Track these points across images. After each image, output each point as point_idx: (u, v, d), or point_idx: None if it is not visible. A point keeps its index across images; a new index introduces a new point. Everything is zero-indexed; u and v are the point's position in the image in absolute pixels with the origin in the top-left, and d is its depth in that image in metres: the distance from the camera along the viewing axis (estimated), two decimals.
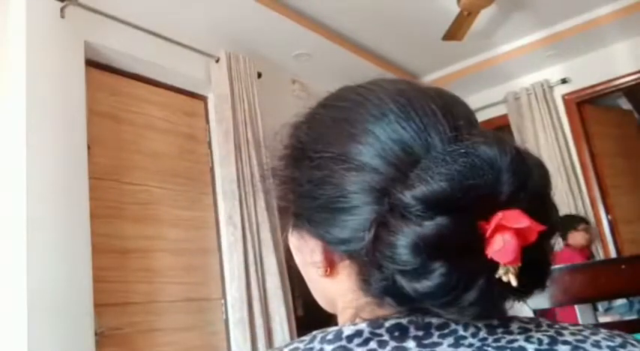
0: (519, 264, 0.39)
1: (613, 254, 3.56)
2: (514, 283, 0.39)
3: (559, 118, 3.82)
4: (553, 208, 0.44)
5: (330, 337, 0.44)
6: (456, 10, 2.93)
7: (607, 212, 3.65)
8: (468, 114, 0.48)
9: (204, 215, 2.72)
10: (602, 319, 2.36)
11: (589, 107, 3.87)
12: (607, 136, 3.86)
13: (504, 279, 0.39)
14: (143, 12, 2.50)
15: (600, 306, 2.92)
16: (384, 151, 0.44)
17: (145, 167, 2.51)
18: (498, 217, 0.39)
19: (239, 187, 2.62)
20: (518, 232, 0.39)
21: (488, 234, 0.39)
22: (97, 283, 2.06)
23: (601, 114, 3.96)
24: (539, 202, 0.42)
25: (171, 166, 2.62)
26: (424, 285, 0.39)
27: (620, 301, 2.90)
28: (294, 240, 0.53)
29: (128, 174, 2.42)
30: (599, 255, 3.54)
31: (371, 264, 0.43)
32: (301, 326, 2.64)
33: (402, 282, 0.40)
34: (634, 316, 2.82)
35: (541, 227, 0.39)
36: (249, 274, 2.54)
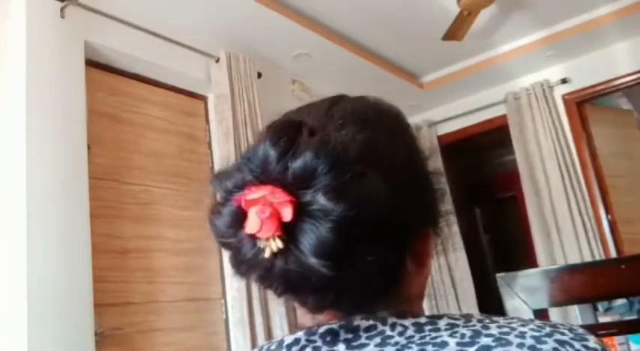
0: (271, 235, 0.43)
1: (613, 254, 3.56)
2: (266, 254, 0.44)
3: (559, 118, 3.81)
4: (346, 189, 0.44)
5: (273, 347, 0.49)
6: (456, 10, 2.93)
7: (607, 212, 3.65)
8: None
9: (204, 215, 2.70)
10: (602, 319, 2.36)
11: (589, 107, 3.87)
12: (607, 136, 3.85)
13: (264, 253, 0.44)
14: (143, 12, 2.51)
15: (600, 306, 2.91)
16: None
17: (145, 167, 2.51)
18: (244, 192, 0.45)
19: None
20: (265, 204, 0.43)
21: (245, 210, 0.45)
22: (97, 283, 2.06)
23: (601, 114, 3.96)
24: (307, 182, 0.44)
25: (171, 166, 2.62)
26: (238, 260, 0.47)
27: (620, 301, 2.90)
28: None
29: (128, 174, 2.42)
30: None
31: None
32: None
33: (232, 262, 0.49)
34: (634, 316, 2.81)
35: (288, 197, 0.43)
36: None
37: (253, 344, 2.44)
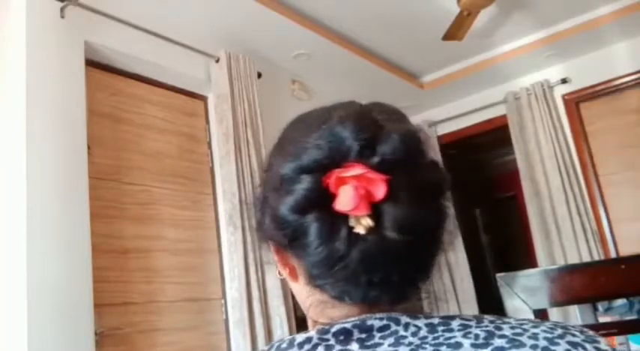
0: (364, 212, 0.45)
1: (613, 254, 3.56)
2: (361, 231, 0.45)
3: (559, 118, 3.81)
4: (425, 172, 0.49)
5: (284, 345, 0.49)
6: (456, 10, 2.93)
7: (607, 212, 3.65)
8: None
9: (204, 215, 2.72)
10: (602, 319, 2.36)
11: (589, 104, 3.83)
12: (608, 130, 3.77)
13: (356, 230, 0.45)
14: (143, 12, 2.51)
15: (600, 306, 2.92)
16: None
17: (145, 167, 2.51)
18: (336, 171, 0.46)
19: (239, 187, 2.62)
20: (360, 185, 0.45)
21: (332, 188, 0.46)
22: (97, 283, 2.06)
23: (601, 106, 3.87)
24: (394, 163, 0.47)
25: (171, 166, 2.62)
26: (306, 243, 0.47)
27: (620, 301, 2.90)
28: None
29: (128, 174, 2.42)
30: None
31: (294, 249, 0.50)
32: (301, 326, 2.64)
33: (295, 253, 0.49)
34: (634, 316, 2.81)
35: (382, 176, 0.45)
36: (249, 274, 2.54)
37: (253, 344, 2.44)
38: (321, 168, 0.47)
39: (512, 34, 3.56)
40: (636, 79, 3.62)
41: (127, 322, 2.23)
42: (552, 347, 0.44)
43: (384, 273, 0.47)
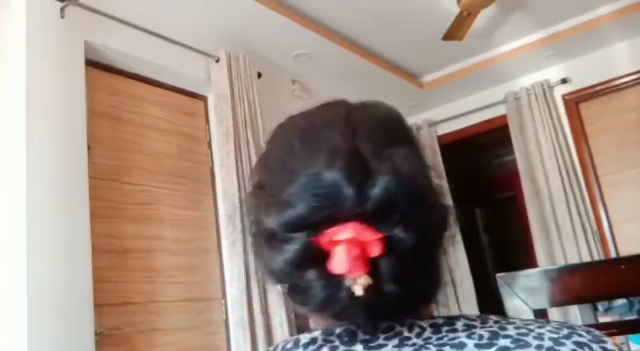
0: (360, 274, 0.42)
1: (613, 254, 3.56)
2: (357, 292, 0.42)
3: (559, 118, 3.81)
4: (417, 217, 0.44)
5: (289, 345, 0.49)
6: (455, 10, 2.93)
7: (607, 212, 3.65)
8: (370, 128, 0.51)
9: (204, 215, 2.72)
10: (602, 319, 2.36)
11: (589, 103, 3.82)
12: (608, 129, 3.76)
13: (354, 290, 0.42)
14: (143, 12, 2.51)
15: (600, 306, 2.91)
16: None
17: (145, 167, 2.51)
18: (327, 232, 0.43)
19: (239, 187, 2.62)
20: (354, 244, 0.42)
21: (325, 247, 0.43)
22: (97, 283, 2.06)
23: (601, 106, 3.87)
24: (387, 213, 0.43)
25: (171, 166, 2.62)
26: (305, 299, 0.45)
27: (620, 301, 2.90)
28: None
29: (128, 174, 2.42)
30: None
31: None
32: (302, 326, 2.64)
33: (296, 299, 0.47)
34: (634, 316, 2.81)
35: (376, 234, 0.42)
36: (249, 274, 2.54)
37: (253, 344, 2.44)
38: (311, 226, 0.43)
39: (512, 34, 3.56)
40: (636, 79, 3.62)
41: (127, 322, 2.23)
42: (558, 347, 0.44)
43: (387, 317, 0.47)
